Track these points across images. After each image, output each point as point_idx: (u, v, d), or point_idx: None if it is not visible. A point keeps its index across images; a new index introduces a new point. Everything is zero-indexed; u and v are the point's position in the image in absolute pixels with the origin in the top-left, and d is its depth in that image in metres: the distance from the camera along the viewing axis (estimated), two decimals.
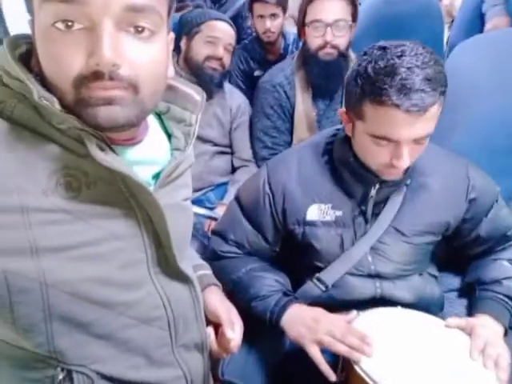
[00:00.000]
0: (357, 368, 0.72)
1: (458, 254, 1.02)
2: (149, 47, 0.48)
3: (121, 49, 0.45)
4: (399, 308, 0.87)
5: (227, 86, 1.61)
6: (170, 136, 0.62)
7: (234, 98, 1.58)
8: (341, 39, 1.36)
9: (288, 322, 0.83)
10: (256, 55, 1.93)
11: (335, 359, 0.79)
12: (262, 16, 1.81)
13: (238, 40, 2.16)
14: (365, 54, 0.78)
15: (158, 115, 0.63)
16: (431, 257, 0.97)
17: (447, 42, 2.14)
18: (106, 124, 0.47)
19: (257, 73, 1.85)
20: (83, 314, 0.51)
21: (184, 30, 1.46)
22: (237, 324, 0.71)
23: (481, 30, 1.74)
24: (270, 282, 0.91)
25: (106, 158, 0.48)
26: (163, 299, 0.58)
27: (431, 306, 0.93)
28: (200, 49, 1.42)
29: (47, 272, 0.47)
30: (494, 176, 0.98)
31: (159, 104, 0.60)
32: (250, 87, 1.77)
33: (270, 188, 0.93)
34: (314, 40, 1.37)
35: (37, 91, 0.45)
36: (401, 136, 0.74)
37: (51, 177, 0.48)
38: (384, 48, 0.74)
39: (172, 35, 0.56)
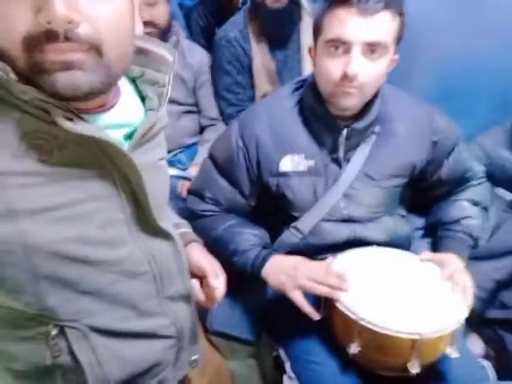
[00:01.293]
0: (338, 305, 0.78)
1: (423, 195, 1.07)
2: (109, 3, 0.43)
3: (77, 3, 0.40)
4: (374, 247, 0.93)
5: (186, 42, 1.55)
6: (143, 99, 0.60)
7: (193, 54, 1.52)
8: None
9: (269, 273, 0.87)
10: (215, 11, 1.84)
11: (316, 301, 0.84)
12: None
13: None
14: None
15: (133, 80, 0.61)
16: (400, 198, 1.02)
17: None
18: (66, 92, 0.43)
19: (217, 29, 1.78)
20: (68, 272, 0.51)
21: None
22: (220, 274, 0.73)
23: None
24: (248, 237, 0.94)
25: (75, 126, 0.46)
26: (147, 255, 0.59)
27: (401, 244, 0.99)
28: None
29: (27, 234, 0.47)
30: (450, 117, 1.01)
31: (134, 69, 0.58)
32: (211, 44, 1.68)
33: (244, 142, 0.94)
34: None
35: None
36: (350, 34, 0.76)
37: (21, 141, 0.46)
38: None
39: None
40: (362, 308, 0.76)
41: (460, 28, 1.27)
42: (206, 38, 1.83)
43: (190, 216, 0.99)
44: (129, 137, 0.56)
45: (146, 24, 1.32)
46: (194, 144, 1.58)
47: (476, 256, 1.05)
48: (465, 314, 0.77)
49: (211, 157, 1.00)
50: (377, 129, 0.91)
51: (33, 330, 0.54)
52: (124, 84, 0.58)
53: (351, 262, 0.88)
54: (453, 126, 0.99)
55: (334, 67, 0.80)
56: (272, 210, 1.00)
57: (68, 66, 0.41)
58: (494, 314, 1.03)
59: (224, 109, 1.53)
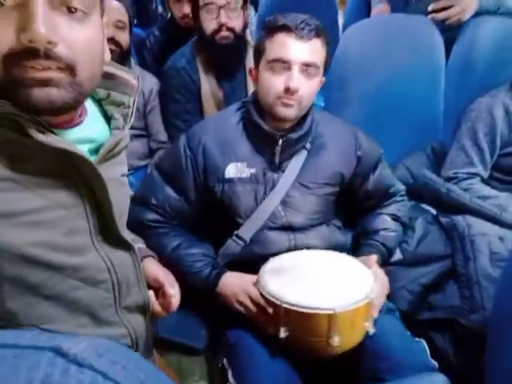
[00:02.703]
0: (265, 294, 0.89)
1: (355, 209, 1.17)
2: (83, 28, 0.49)
3: (56, 27, 0.46)
4: (304, 250, 1.03)
5: (137, 69, 1.62)
6: (109, 119, 0.65)
7: (145, 81, 1.57)
8: (235, 21, 1.41)
9: (222, 293, 0.97)
10: (171, 40, 1.87)
11: None
12: (179, 0, 1.78)
13: (146, 21, 2.12)
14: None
15: (98, 102, 0.65)
16: (334, 210, 1.13)
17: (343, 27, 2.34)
18: (40, 106, 0.47)
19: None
20: (31, 276, 0.53)
21: None
22: (176, 285, 0.78)
23: (368, 16, 1.94)
24: (198, 258, 1.00)
25: (46, 138, 0.50)
26: (107, 264, 0.61)
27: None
28: None
29: None
30: (380, 143, 1.13)
31: (99, 92, 0.63)
32: None
33: (191, 150, 1.01)
34: (209, 23, 1.40)
35: None
36: (291, 55, 0.92)
37: None
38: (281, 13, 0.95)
39: (105, 19, 0.57)
40: (285, 293, 0.86)
41: (386, 65, 1.45)
42: (160, 66, 1.88)
43: (137, 227, 1.00)
44: (94, 152, 0.60)
45: (113, 42, 1.41)
46: (144, 166, 1.61)
47: (405, 263, 1.17)
48: (375, 288, 0.89)
49: (158, 167, 1.06)
50: (308, 145, 1.03)
51: None
52: (90, 104, 0.63)
53: (280, 259, 0.99)
54: (375, 145, 1.13)
55: (276, 82, 0.94)
56: (216, 218, 1.06)
57: (45, 83, 0.46)
58: (423, 315, 1.13)
59: (173, 134, 1.57)
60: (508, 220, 1.15)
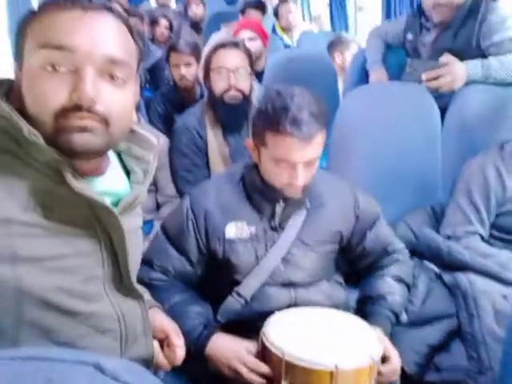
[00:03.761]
0: (268, 345, 0.88)
1: (355, 266, 1.18)
2: (120, 93, 0.59)
3: (98, 90, 0.55)
4: (308, 307, 1.03)
5: (148, 128, 1.71)
6: (128, 172, 0.70)
7: (157, 139, 1.66)
8: (243, 83, 1.55)
9: (211, 354, 0.95)
10: (174, 101, 2.09)
11: None
12: (177, 65, 1.99)
13: (157, 88, 2.32)
14: (264, 96, 0.99)
15: (118, 154, 0.71)
16: (335, 266, 1.14)
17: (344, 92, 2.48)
18: (79, 148, 0.55)
19: (175, 116, 1.98)
20: (50, 320, 0.56)
21: None
22: (181, 335, 0.78)
23: (366, 82, 2.07)
24: (192, 316, 1.00)
25: (79, 185, 0.56)
26: (117, 313, 0.64)
27: (338, 309, 1.07)
28: None
29: (23, 279, 0.52)
30: (381, 201, 1.17)
31: (121, 144, 0.69)
32: (170, 130, 1.87)
33: (193, 213, 1.04)
34: (219, 83, 1.54)
35: (27, 129, 0.53)
36: (295, 158, 0.93)
37: (30, 196, 0.55)
38: (278, 91, 0.96)
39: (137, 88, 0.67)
40: (288, 346, 0.86)
41: (386, 129, 1.52)
42: (165, 124, 2.05)
43: (140, 283, 1.02)
44: (114, 204, 0.65)
45: None
46: (150, 221, 1.65)
47: (410, 323, 1.16)
48: (379, 352, 0.88)
49: (163, 228, 1.09)
50: (307, 204, 1.06)
51: None
52: (112, 157, 0.69)
53: (286, 313, 0.99)
54: (374, 203, 1.16)
55: (281, 176, 0.96)
56: (218, 276, 1.07)
57: (84, 129, 0.55)
58: (430, 377, 1.11)
59: (182, 187, 1.66)
60: (510, 278, 1.16)
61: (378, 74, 1.99)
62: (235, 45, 1.59)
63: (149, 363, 0.71)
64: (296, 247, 1.04)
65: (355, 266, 1.18)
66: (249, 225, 1.03)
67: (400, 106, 1.57)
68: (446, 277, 1.24)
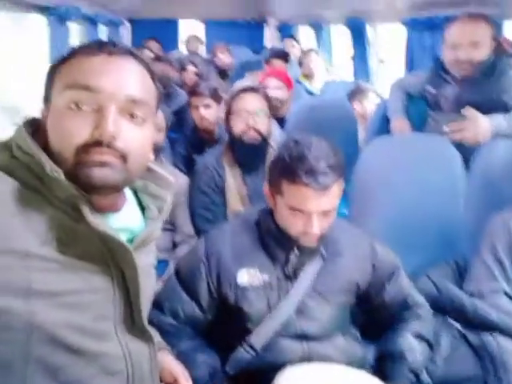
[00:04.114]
0: None
1: (373, 320, 1.13)
2: (139, 131, 0.61)
3: (119, 127, 0.58)
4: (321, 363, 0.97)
5: (170, 168, 1.74)
6: (143, 209, 0.71)
7: (175, 179, 1.68)
8: (262, 125, 1.60)
9: None
10: (195, 142, 2.15)
11: None
12: (196, 107, 2.06)
13: (181, 130, 2.40)
14: (283, 145, 0.99)
15: (134, 191, 0.73)
16: (351, 319, 1.09)
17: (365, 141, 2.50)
18: (98, 182, 0.57)
19: (195, 156, 2.05)
20: (58, 358, 0.55)
21: None
22: (190, 380, 0.77)
23: (388, 131, 2.09)
24: (199, 365, 0.97)
25: (95, 220, 0.57)
26: (125, 354, 0.62)
27: (354, 366, 1.01)
28: None
29: (35, 313, 0.52)
30: (402, 253, 1.15)
31: (137, 182, 0.70)
32: (190, 170, 1.92)
33: (207, 258, 1.03)
34: (239, 125, 1.60)
35: (49, 166, 0.55)
36: (311, 208, 0.92)
37: (48, 231, 0.55)
38: (296, 141, 0.96)
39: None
40: None
41: (409, 180, 1.50)
42: (186, 164, 2.09)
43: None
44: (129, 241, 0.65)
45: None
46: (164, 260, 1.63)
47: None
48: None
49: (176, 270, 1.08)
50: (323, 251, 1.03)
51: None
52: (129, 194, 0.70)
53: (298, 370, 0.93)
54: (391, 255, 1.12)
55: (296, 224, 0.96)
56: (227, 324, 1.04)
57: (103, 164, 0.57)
58: None
59: (200, 225, 1.67)
60: None
61: (399, 123, 2.00)
62: (255, 90, 1.68)
63: None
64: (310, 298, 1.01)
65: (373, 319, 1.14)
66: (261, 272, 1.00)
67: (422, 156, 1.55)
68: (471, 336, 1.17)
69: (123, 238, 0.63)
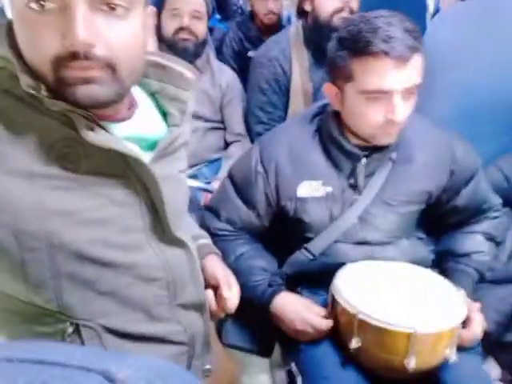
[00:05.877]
0: (340, 301, 0.84)
1: (437, 222, 1.07)
2: (124, 24, 0.49)
3: (95, 28, 0.46)
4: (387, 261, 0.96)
5: (216, 62, 1.63)
6: (165, 114, 0.64)
7: (223, 74, 1.59)
8: (356, 3, 1.35)
9: (275, 312, 0.93)
10: (251, 35, 1.89)
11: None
12: None
13: (225, 13, 2.14)
14: (347, 24, 0.84)
15: (153, 95, 0.65)
16: (417, 223, 1.03)
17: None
18: (84, 102, 0.49)
19: (250, 53, 1.81)
20: (87, 272, 0.55)
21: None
22: (234, 286, 0.76)
23: None
24: (256, 271, 0.97)
25: (96, 137, 0.51)
26: (162, 262, 0.61)
27: (417, 264, 0.99)
28: (168, 23, 1.40)
29: (54, 233, 0.51)
30: (470, 141, 1.03)
31: (152, 83, 0.63)
32: (243, 68, 1.76)
33: (263, 167, 0.97)
34: (330, 3, 1.35)
35: (24, 81, 0.48)
36: (391, 84, 0.79)
37: (52, 147, 0.51)
38: (362, 15, 0.82)
39: (151, 8, 0.56)
40: (361, 303, 0.81)
41: (480, 54, 1.29)
42: (238, 61, 1.89)
43: (205, 231, 1.00)
44: (150, 148, 0.60)
45: (189, 32, 1.41)
46: (219, 159, 1.63)
47: (493, 280, 1.06)
48: (463, 316, 0.80)
49: (230, 177, 1.03)
50: (394, 155, 0.93)
51: (51, 327, 0.56)
52: (143, 98, 0.63)
53: (356, 268, 0.93)
54: (473, 156, 1.00)
55: (375, 114, 0.83)
56: (286, 229, 1.02)
57: (87, 81, 0.48)
58: (510, 337, 1.02)
59: (253, 126, 1.57)
60: None
61: None
62: None
63: (201, 309, 0.70)
64: (376, 207, 0.94)
65: (441, 223, 1.07)
66: (325, 184, 0.94)
67: (497, 25, 1.29)
68: None
69: (136, 148, 0.58)
